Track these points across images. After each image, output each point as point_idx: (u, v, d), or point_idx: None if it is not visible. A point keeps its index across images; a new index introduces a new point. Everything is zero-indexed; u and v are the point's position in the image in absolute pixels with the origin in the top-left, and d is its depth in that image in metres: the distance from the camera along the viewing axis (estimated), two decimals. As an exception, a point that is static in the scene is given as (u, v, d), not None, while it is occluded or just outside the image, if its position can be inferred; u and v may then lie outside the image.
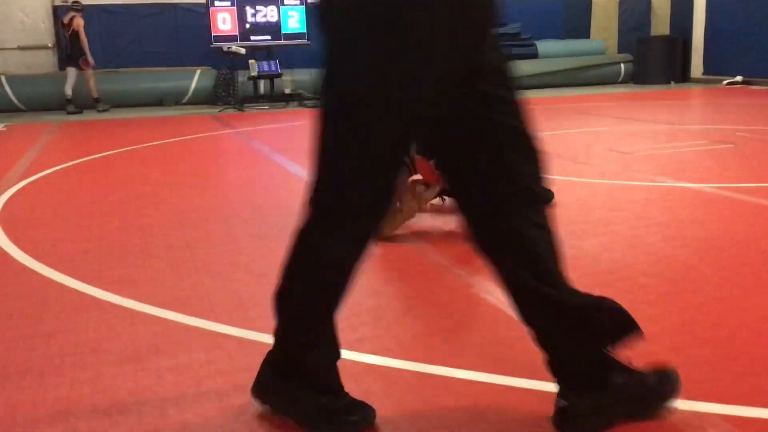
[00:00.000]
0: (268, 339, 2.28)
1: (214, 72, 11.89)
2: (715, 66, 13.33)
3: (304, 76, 12.03)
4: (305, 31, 11.85)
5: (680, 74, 13.69)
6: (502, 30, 13.41)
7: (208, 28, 11.34)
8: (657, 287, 2.66)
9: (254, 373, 2.03)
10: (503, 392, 1.91)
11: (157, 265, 3.12)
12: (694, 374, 1.96)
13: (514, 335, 2.26)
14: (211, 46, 11.34)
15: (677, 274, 2.80)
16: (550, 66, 13.32)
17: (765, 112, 8.50)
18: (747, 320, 2.33)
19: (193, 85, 11.84)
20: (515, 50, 13.47)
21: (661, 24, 14.23)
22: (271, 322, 2.41)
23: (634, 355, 2.07)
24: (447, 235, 3.49)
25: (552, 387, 1.90)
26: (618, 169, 5.00)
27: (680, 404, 1.78)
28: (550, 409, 1.80)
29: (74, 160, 6.26)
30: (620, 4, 14.99)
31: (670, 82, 13.40)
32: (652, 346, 2.14)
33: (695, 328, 2.28)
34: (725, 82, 12.85)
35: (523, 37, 13.77)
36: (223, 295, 2.72)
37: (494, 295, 2.62)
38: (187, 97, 11.80)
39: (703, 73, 13.59)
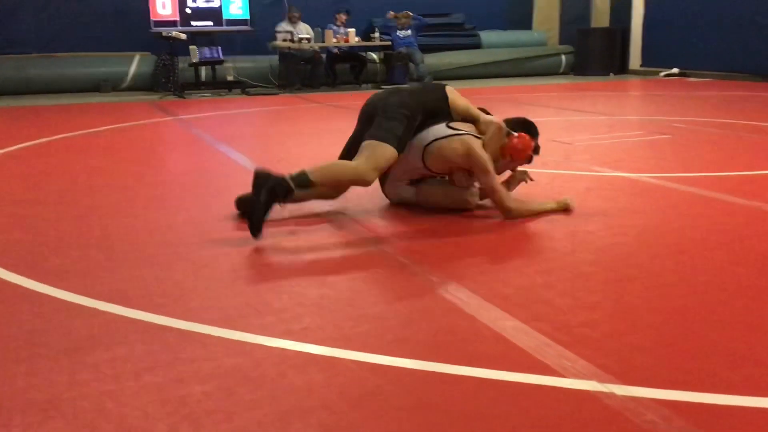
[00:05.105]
0: (211, 330, 2.26)
1: (153, 58, 11.63)
2: (652, 58, 13.65)
3: (247, 63, 11.87)
4: (248, 17, 11.68)
5: (619, 66, 13.97)
6: (446, 20, 13.57)
7: (147, 12, 11.08)
8: (597, 275, 2.72)
9: (196, 365, 2.01)
10: (447, 380, 1.92)
11: (95, 256, 3.04)
12: (632, 360, 2.00)
13: (459, 323, 2.28)
14: (151, 30, 11.09)
15: (616, 262, 2.86)
16: (494, 56, 13.44)
17: (700, 103, 8.75)
18: (683, 307, 2.39)
19: (132, 70, 11.55)
20: (459, 40, 13.56)
21: (601, 16, 14.48)
22: (214, 312, 2.38)
23: (575, 341, 2.12)
24: (394, 227, 3.49)
25: (497, 375, 1.92)
26: (559, 159, 5.08)
27: (618, 389, 1.83)
28: (494, 397, 1.82)
29: (6, 147, 6.04)
30: (561, -5, 15.20)
31: (609, 74, 13.67)
32: (592, 332, 2.18)
33: (633, 314, 2.34)
34: (662, 73, 13.17)
35: (467, 27, 13.85)
36: (164, 286, 2.67)
37: (439, 283, 2.63)
38: (125, 83, 11.52)
39: (641, 65, 13.90)
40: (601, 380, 1.88)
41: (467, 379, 1.92)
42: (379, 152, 3.38)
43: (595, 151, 5.43)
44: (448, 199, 3.64)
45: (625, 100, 9.95)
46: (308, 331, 2.24)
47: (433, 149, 3.51)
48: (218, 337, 2.20)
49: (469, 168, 3.53)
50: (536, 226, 3.40)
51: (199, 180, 4.65)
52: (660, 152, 5.40)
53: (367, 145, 3.43)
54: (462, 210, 3.63)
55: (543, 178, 4.40)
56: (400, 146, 3.45)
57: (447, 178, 3.68)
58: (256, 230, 3.11)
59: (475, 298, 2.48)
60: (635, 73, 13.87)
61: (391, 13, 11.96)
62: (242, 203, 3.56)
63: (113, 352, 2.11)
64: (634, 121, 7.38)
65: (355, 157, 3.44)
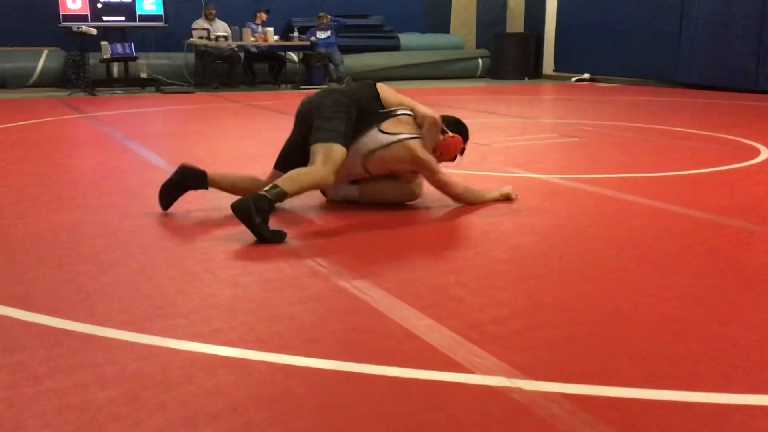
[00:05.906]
0: (115, 333, 2.18)
1: (63, 53, 11.21)
2: (565, 63, 14.07)
3: (162, 61, 11.60)
4: (162, 13, 11.41)
5: (533, 70, 14.34)
6: (365, 22, 13.62)
7: (56, 6, 10.67)
8: (508, 273, 2.77)
9: (99, 370, 1.94)
10: (359, 380, 1.91)
11: (-6, 258, 2.90)
12: (540, 355, 2.05)
13: (372, 323, 2.28)
14: (60, 25, 10.69)
15: (527, 261, 2.93)
16: (412, 59, 13.57)
17: (608, 107, 9.07)
18: (589, 304, 2.46)
19: (40, 66, 11.11)
20: (378, 42, 13.63)
21: (516, 21, 14.83)
22: (120, 315, 2.30)
23: (485, 338, 2.15)
24: (307, 226, 3.46)
25: (409, 373, 1.93)
26: (475, 159, 5.16)
27: (526, 384, 1.86)
28: (405, 395, 1.82)
29: None
30: (478, 0, 15.48)
31: (524, 78, 14.01)
32: (502, 330, 2.22)
33: (542, 311, 2.39)
34: (574, 78, 13.58)
35: (386, 29, 13.94)
36: (67, 289, 2.56)
37: (352, 283, 2.62)
38: (32, 79, 11.07)
39: (554, 70, 14.31)
40: (510, 376, 1.91)
41: (379, 378, 1.92)
42: (331, 154, 3.40)
43: (510, 152, 5.55)
44: (395, 192, 3.76)
45: (538, 104, 10.21)
46: (219, 333, 2.19)
47: (376, 157, 3.58)
48: (123, 341, 2.13)
49: (415, 170, 3.67)
50: (450, 224, 3.44)
51: (108, 179, 4.50)
52: (570, 154, 5.56)
53: (317, 149, 3.42)
54: (409, 200, 3.79)
55: (459, 179, 4.45)
56: (346, 142, 3.49)
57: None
58: (277, 240, 3.13)
59: (388, 297, 2.49)
60: (549, 77, 14.26)
61: (313, 38, 11.80)
62: (164, 191, 3.60)
63: (11, 357, 2.01)
64: (546, 124, 7.57)
65: (310, 163, 3.41)
